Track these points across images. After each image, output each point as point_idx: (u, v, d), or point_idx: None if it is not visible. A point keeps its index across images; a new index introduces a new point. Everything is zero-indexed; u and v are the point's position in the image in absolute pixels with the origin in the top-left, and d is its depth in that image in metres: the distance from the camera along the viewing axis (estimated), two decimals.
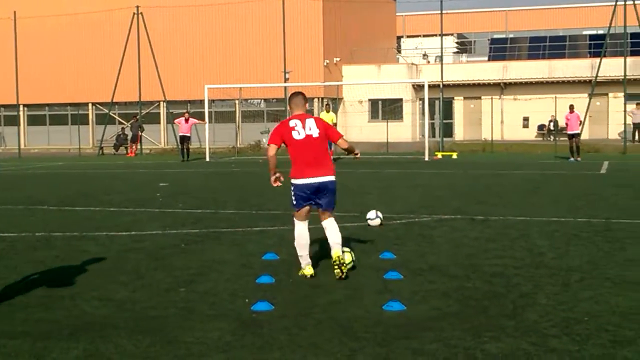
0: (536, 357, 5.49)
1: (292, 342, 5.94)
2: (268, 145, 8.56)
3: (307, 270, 8.34)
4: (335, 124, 30.55)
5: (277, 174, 8.34)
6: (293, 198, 8.41)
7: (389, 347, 5.76)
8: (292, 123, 8.42)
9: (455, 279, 8.08)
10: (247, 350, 5.76)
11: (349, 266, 8.38)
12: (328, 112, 30.21)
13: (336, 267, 8.11)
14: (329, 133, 8.57)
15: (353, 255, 8.63)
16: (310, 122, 8.44)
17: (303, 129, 8.37)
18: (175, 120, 35.58)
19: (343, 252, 8.37)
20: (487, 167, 26.19)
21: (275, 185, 8.40)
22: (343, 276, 8.08)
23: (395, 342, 5.89)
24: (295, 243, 8.47)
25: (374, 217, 12.00)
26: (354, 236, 10.99)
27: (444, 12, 43.25)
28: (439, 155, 33.59)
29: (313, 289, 7.71)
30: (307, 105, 8.73)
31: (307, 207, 8.43)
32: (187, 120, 33.20)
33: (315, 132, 8.38)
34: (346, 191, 17.74)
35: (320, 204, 8.40)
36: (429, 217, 13.11)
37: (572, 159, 28.99)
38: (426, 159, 31.26)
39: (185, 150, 33.25)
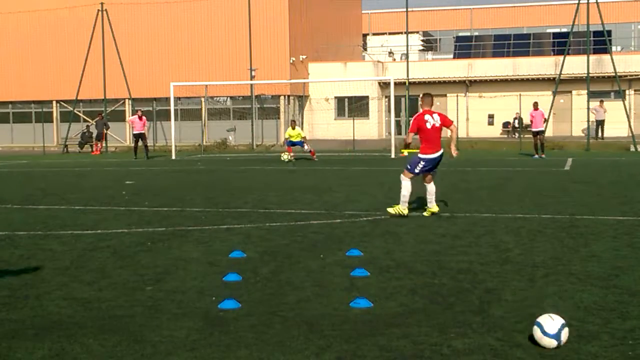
0: (502, 353, 5.53)
1: (259, 340, 5.93)
2: (408, 132, 12.68)
3: (404, 210, 12.44)
4: (304, 138, 30.10)
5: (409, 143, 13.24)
6: (419, 167, 12.39)
7: (356, 344, 5.77)
8: (426, 117, 12.30)
9: (421, 275, 8.12)
10: (214, 348, 5.75)
11: (434, 210, 12.57)
12: (294, 128, 29.77)
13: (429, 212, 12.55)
14: (445, 122, 12.42)
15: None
16: (436, 116, 12.40)
17: (432, 120, 12.28)
18: (129, 119, 35.32)
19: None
20: (453, 164, 26.28)
21: (408, 142, 13.21)
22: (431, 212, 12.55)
23: (362, 339, 5.91)
24: (403, 192, 12.41)
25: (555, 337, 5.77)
26: (320, 233, 11.01)
27: (409, 9, 43.53)
28: (405, 152, 33.65)
29: (280, 287, 7.70)
30: (433, 103, 12.69)
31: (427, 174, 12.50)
32: (140, 118, 32.94)
33: (437, 123, 12.32)
34: (313, 189, 17.74)
35: (434, 171, 12.57)
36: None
37: (536, 155, 29.22)
38: (392, 156, 31.35)
39: (144, 147, 33.03)
